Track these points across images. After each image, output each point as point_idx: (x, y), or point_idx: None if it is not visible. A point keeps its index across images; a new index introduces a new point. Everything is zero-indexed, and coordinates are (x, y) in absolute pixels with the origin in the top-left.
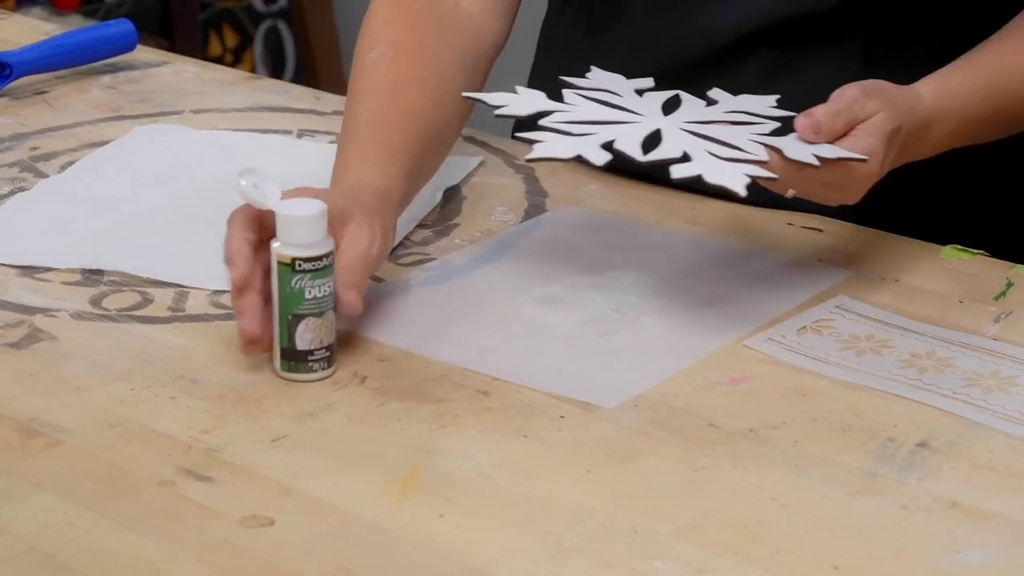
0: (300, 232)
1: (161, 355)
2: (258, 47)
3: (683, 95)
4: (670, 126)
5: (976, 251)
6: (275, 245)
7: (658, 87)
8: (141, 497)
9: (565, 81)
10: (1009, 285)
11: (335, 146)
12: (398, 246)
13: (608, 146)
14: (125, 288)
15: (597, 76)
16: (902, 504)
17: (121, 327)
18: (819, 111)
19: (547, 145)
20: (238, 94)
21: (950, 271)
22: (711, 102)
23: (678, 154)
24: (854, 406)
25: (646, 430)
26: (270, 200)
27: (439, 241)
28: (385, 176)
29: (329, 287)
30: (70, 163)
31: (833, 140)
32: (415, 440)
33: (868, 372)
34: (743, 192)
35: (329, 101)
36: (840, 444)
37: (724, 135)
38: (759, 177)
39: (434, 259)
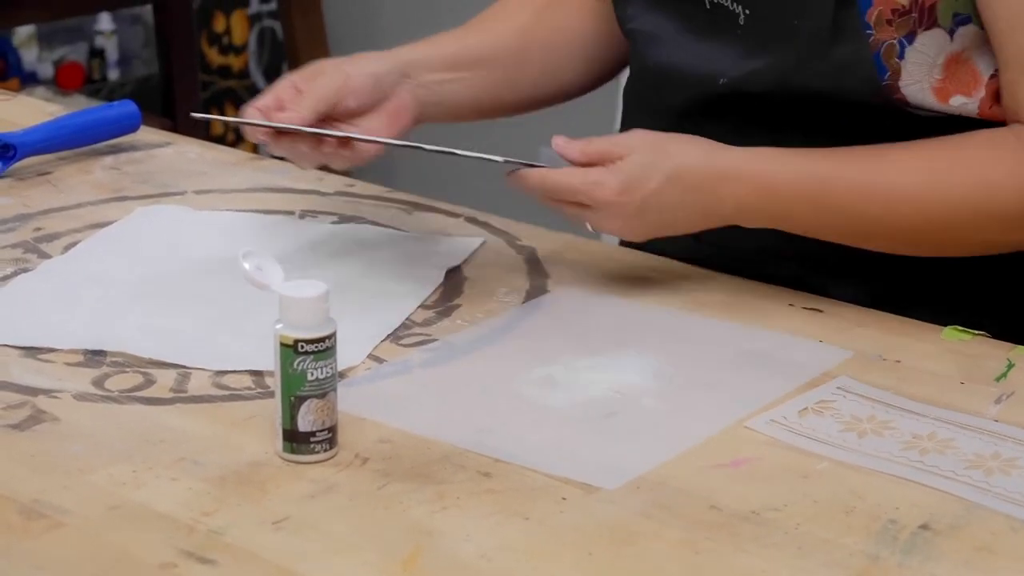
0: (302, 314)
1: (163, 436)
2: None
3: None
4: None
5: (977, 332)
6: (278, 327)
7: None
8: None
9: None
10: (1010, 366)
11: (337, 227)
12: (400, 327)
13: None
14: (128, 369)
15: None
16: None
17: (123, 408)
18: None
19: None
20: (240, 174)
21: (951, 352)
22: None
23: None
24: (856, 488)
25: (648, 512)
26: (273, 282)
27: (441, 322)
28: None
29: (331, 368)
30: (73, 244)
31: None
32: (417, 522)
33: (870, 454)
34: None
35: (332, 181)
36: (842, 526)
37: None
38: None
39: (436, 340)
